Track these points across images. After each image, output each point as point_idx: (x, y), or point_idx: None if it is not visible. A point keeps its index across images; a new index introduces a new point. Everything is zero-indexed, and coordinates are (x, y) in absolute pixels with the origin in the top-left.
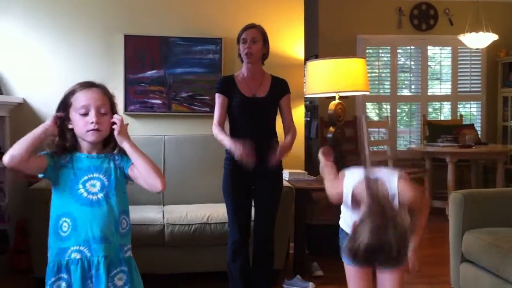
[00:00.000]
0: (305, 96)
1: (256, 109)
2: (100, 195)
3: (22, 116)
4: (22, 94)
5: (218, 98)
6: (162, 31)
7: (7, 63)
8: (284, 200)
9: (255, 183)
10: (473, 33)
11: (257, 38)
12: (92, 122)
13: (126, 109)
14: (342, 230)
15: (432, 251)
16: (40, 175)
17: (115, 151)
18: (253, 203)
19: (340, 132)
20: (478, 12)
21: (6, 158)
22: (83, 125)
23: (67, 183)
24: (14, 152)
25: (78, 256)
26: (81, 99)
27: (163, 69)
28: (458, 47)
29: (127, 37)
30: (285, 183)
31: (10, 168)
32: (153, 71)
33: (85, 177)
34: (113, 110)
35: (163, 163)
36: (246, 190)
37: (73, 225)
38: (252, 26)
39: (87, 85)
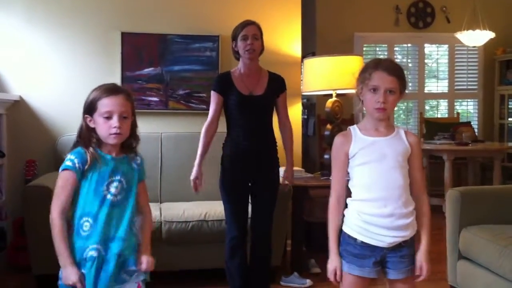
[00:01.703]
0: (302, 93)
1: (253, 107)
2: (119, 197)
3: (18, 114)
4: (18, 91)
5: (213, 96)
6: (160, 28)
7: (3, 60)
8: (282, 197)
9: (253, 179)
10: (470, 31)
11: (257, 35)
12: (115, 127)
13: None
14: (346, 235)
15: (429, 248)
16: None
17: (137, 155)
18: (250, 200)
19: (337, 130)
20: (475, 10)
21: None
22: (106, 129)
23: (92, 185)
24: None
25: (95, 254)
26: (105, 105)
27: (160, 67)
28: (455, 45)
29: (124, 34)
30: (282, 180)
31: None
32: (150, 69)
33: (109, 179)
34: (133, 112)
35: (160, 160)
36: (244, 186)
37: (93, 224)
38: (251, 23)
39: (113, 91)
